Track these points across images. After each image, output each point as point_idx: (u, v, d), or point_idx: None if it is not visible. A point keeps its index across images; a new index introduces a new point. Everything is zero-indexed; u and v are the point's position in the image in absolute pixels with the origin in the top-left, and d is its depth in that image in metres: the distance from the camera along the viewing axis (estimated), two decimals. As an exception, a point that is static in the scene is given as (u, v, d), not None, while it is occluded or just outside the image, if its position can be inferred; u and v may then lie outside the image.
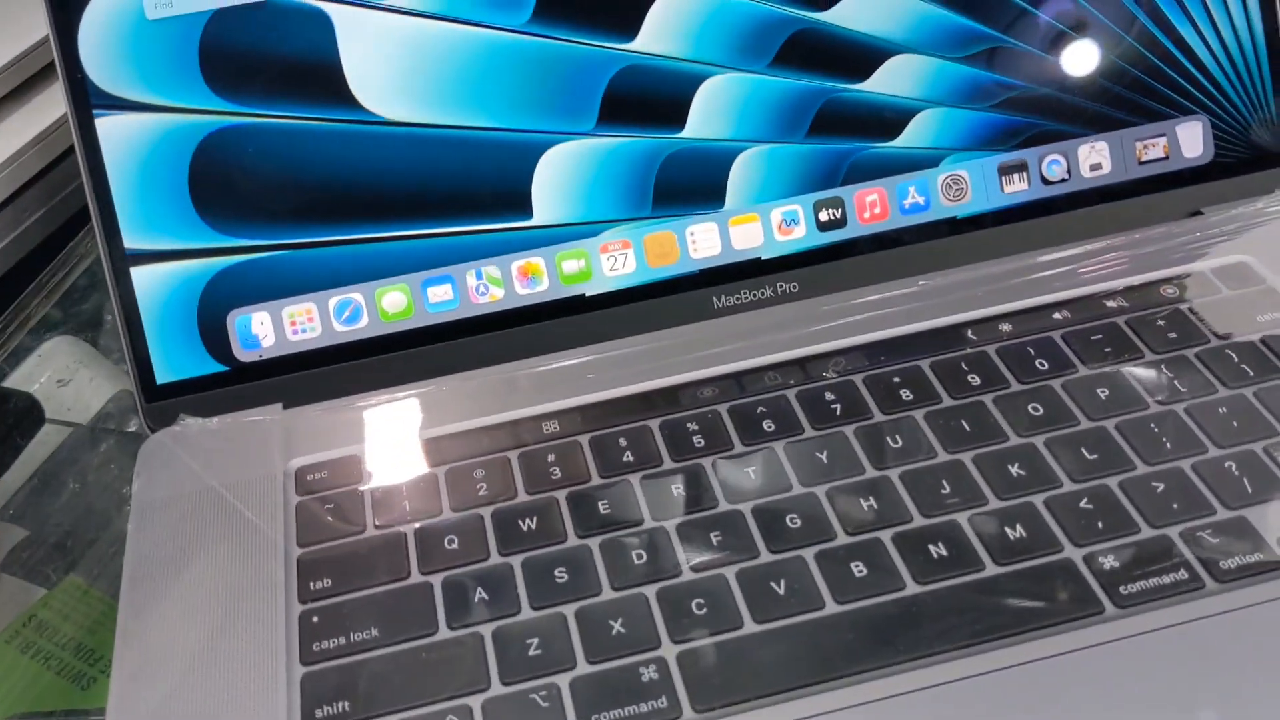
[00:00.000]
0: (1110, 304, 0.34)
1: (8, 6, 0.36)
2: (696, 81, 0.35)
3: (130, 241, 0.33)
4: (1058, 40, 0.37)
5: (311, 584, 0.29)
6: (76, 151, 0.33)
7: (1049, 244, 0.37)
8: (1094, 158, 0.37)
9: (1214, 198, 0.38)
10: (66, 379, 0.40)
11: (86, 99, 0.33)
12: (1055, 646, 0.25)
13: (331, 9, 0.34)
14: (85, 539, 0.35)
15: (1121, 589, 0.26)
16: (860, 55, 0.36)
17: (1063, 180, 0.37)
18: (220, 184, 0.34)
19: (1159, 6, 0.37)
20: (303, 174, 0.34)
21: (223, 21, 0.33)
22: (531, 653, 0.26)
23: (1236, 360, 0.31)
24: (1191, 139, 0.38)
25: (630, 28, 0.35)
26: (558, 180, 0.35)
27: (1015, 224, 0.37)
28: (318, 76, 0.34)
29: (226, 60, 0.33)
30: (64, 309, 0.41)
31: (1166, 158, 0.38)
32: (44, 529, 0.36)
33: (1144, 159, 0.38)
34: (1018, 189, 0.37)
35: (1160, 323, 0.33)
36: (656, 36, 0.35)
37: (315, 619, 0.28)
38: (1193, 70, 0.37)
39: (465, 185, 0.35)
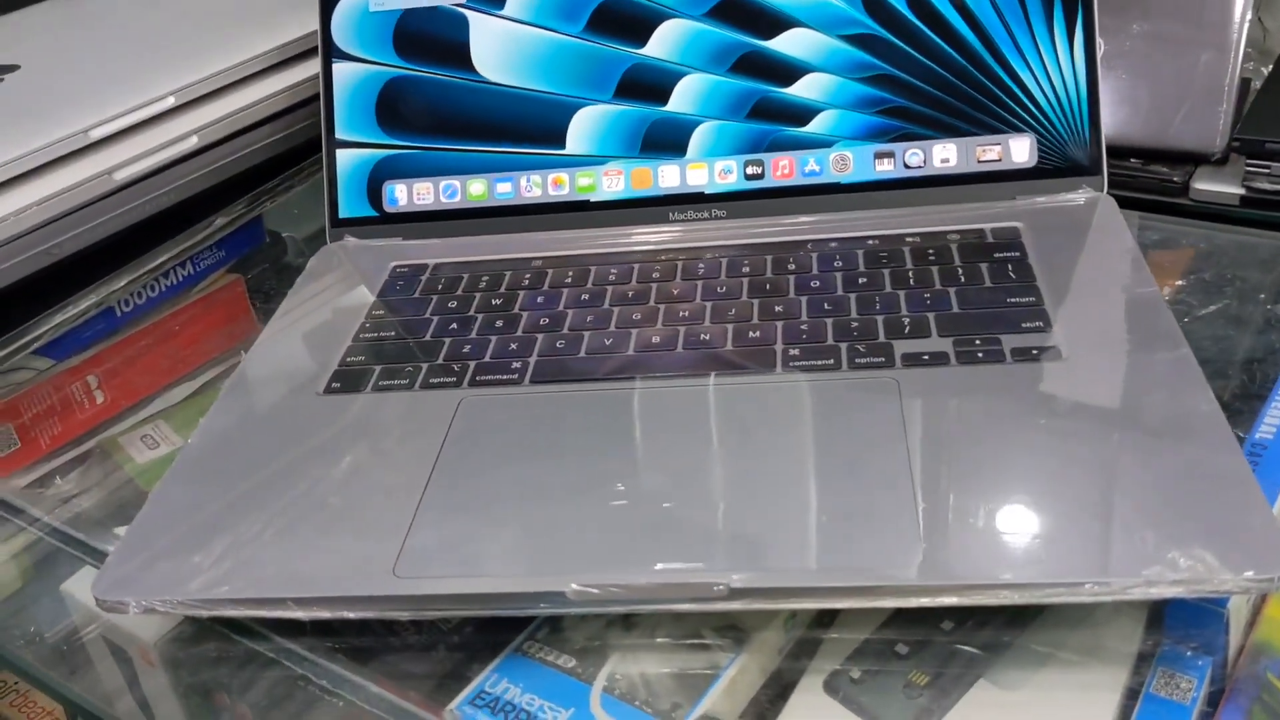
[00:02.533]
0: (911, 240, 0.51)
1: (282, 11, 0.63)
2: (679, 76, 0.56)
3: (339, 134, 0.58)
4: (930, 72, 0.54)
5: (374, 312, 0.51)
6: (320, 80, 0.59)
7: (900, 205, 0.54)
8: (944, 154, 0.54)
9: (1029, 191, 0.53)
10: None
11: (330, 51, 0.59)
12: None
13: (468, 14, 0.58)
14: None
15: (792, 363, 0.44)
16: (788, 70, 0.55)
17: (919, 167, 0.55)
18: (392, 108, 0.58)
19: (1006, 57, 0.54)
20: (438, 107, 0.58)
21: (409, 15, 0.58)
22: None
23: (958, 266, 0.48)
24: (1020, 149, 0.54)
25: (642, 38, 0.56)
26: (583, 128, 0.57)
27: (882, 191, 0.55)
28: (455, 51, 0.58)
29: (408, 38, 0.58)
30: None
31: (999, 160, 0.54)
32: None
33: (982, 159, 0.54)
34: (886, 169, 0.55)
35: (931, 252, 0.50)
36: (658, 46, 0.56)
37: (369, 324, 0.50)
38: (1028, 102, 0.54)
39: (528, 124, 0.57)
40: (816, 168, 0.55)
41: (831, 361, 0.43)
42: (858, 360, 0.43)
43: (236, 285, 0.65)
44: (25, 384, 0.57)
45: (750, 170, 0.56)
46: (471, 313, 0.51)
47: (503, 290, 0.52)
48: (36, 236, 0.52)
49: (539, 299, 0.51)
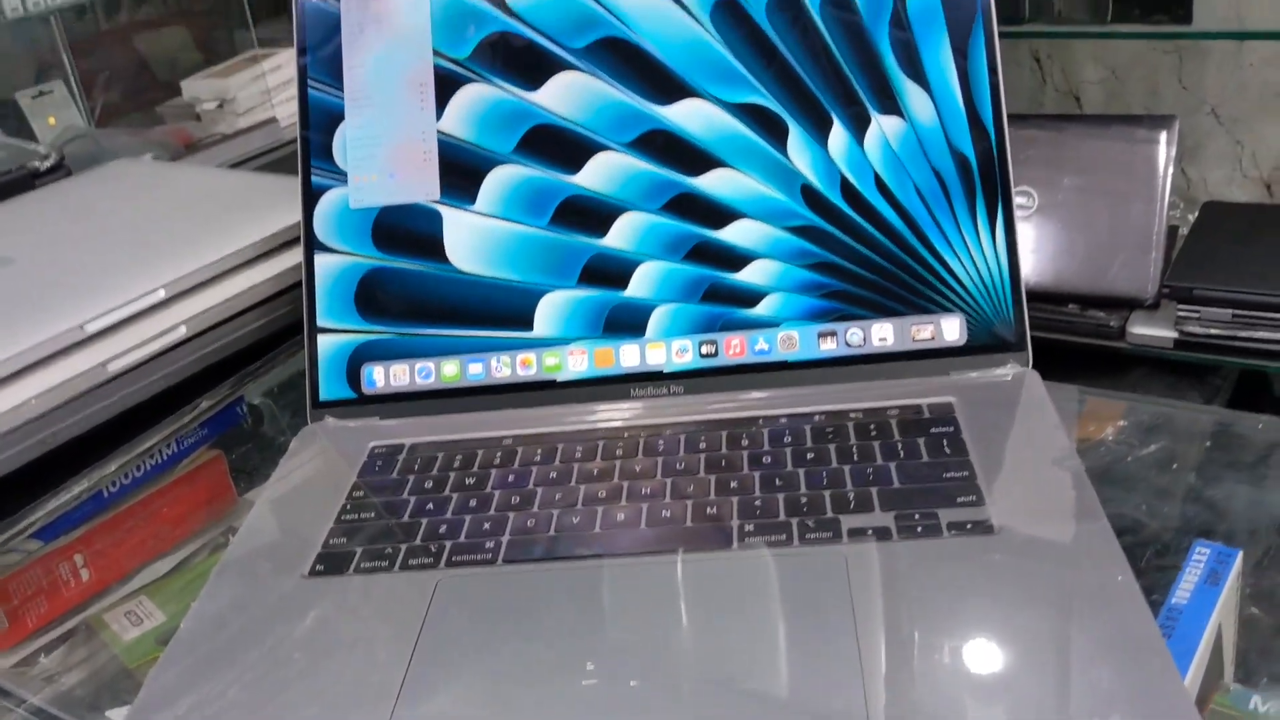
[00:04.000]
0: (855, 414, 0.55)
1: (265, 205, 0.67)
2: (637, 264, 0.61)
3: (321, 322, 0.62)
4: (866, 258, 0.59)
5: (354, 493, 0.55)
6: (303, 271, 0.63)
7: (844, 381, 0.58)
8: (882, 333, 0.59)
9: (961, 366, 0.58)
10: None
11: (311, 244, 0.63)
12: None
13: (442, 209, 0.62)
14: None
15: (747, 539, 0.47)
16: (737, 257, 0.60)
17: (860, 345, 0.59)
18: (371, 296, 0.62)
19: (934, 244, 0.59)
20: (413, 295, 0.62)
21: (387, 211, 0.63)
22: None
23: (897, 441, 0.52)
24: (951, 328, 0.59)
25: (603, 229, 0.61)
26: (549, 312, 0.61)
27: (826, 368, 0.59)
28: (429, 244, 0.62)
29: (385, 232, 0.63)
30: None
31: (933, 339, 0.59)
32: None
33: (917, 338, 0.59)
34: (830, 347, 0.59)
35: (873, 428, 0.54)
36: (618, 237, 0.61)
37: (349, 505, 0.53)
38: (955, 284, 0.59)
39: (498, 310, 0.61)
40: (766, 346, 0.60)
41: (784, 537, 0.47)
42: (808, 535, 0.47)
43: (218, 462, 0.68)
44: (15, 565, 0.59)
45: (705, 349, 0.60)
46: (446, 492, 0.54)
47: (475, 469, 0.55)
48: (33, 427, 0.55)
49: (510, 477, 0.54)
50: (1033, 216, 1.25)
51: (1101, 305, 1.24)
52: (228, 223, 0.67)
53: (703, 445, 0.55)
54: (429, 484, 0.55)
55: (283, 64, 1.93)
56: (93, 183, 0.80)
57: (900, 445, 0.52)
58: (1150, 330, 1.17)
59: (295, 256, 0.66)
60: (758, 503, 0.49)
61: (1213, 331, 1.15)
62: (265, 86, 1.87)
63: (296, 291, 0.65)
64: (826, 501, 0.49)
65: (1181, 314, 1.14)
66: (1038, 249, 1.22)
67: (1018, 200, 1.18)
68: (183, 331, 0.60)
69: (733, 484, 0.51)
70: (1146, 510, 0.52)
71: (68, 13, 1.69)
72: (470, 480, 0.54)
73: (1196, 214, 1.29)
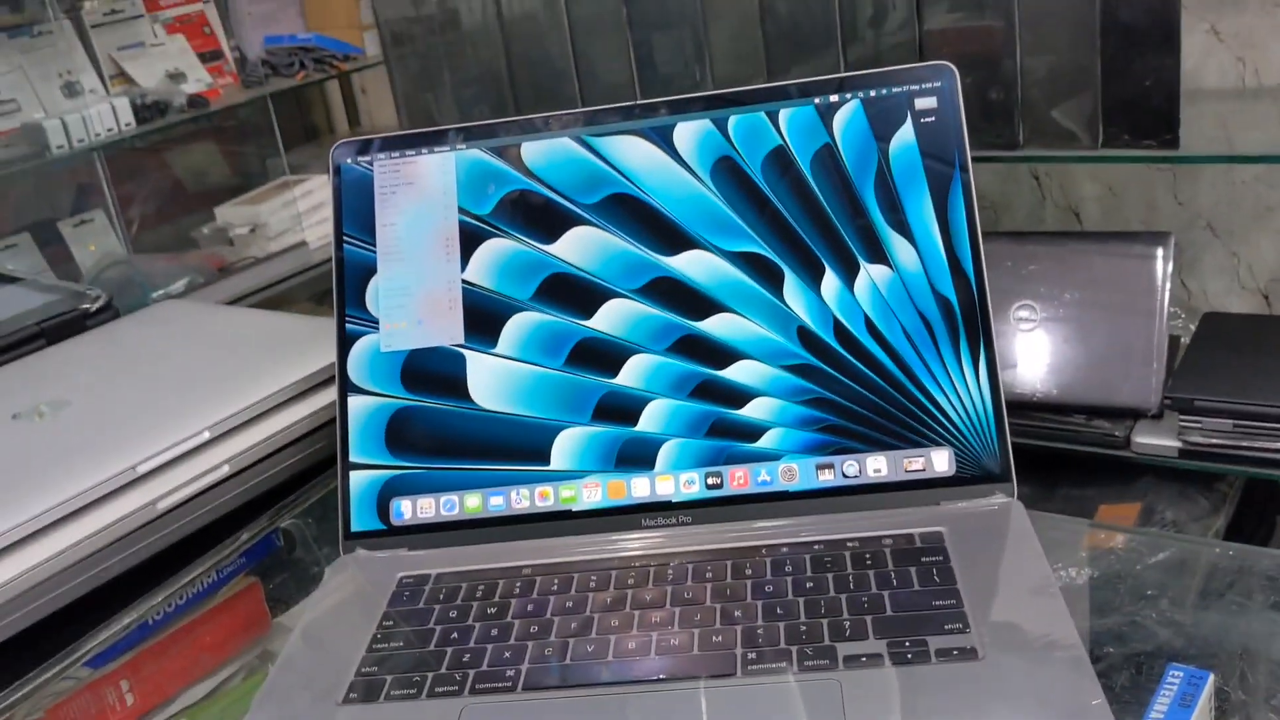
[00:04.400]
0: (852, 544, 0.59)
1: (299, 347, 0.73)
2: (646, 401, 0.66)
3: (353, 457, 0.67)
4: (859, 395, 0.64)
5: (385, 622, 0.59)
6: (336, 411, 0.68)
7: (842, 510, 0.62)
8: (876, 465, 0.63)
9: (951, 496, 0.62)
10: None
11: (345, 385, 0.68)
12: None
13: (465, 352, 0.67)
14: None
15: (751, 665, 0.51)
16: (739, 395, 0.65)
17: (856, 476, 0.63)
18: (400, 433, 0.67)
19: (922, 381, 0.63)
20: (439, 432, 0.67)
21: (415, 354, 0.68)
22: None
23: (890, 571, 0.56)
24: (940, 460, 0.63)
25: (614, 370, 0.66)
26: (565, 447, 0.66)
27: (824, 498, 0.63)
28: (454, 384, 0.67)
29: (413, 373, 0.68)
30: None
31: (924, 470, 0.63)
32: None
33: (909, 469, 0.63)
34: (828, 478, 0.64)
35: (868, 557, 0.58)
36: (628, 376, 0.66)
37: (380, 634, 0.57)
38: (943, 419, 0.63)
39: (517, 445, 0.66)
40: (768, 478, 0.64)
41: (784, 665, 0.51)
42: (806, 663, 0.51)
43: (254, 589, 0.72)
44: (66, 692, 0.63)
45: (710, 481, 0.64)
46: (470, 621, 0.58)
47: (497, 599, 0.59)
48: (88, 563, 0.60)
49: (529, 607, 0.58)
50: (1035, 330, 1.29)
51: (1107, 415, 1.27)
52: (266, 364, 0.72)
53: (709, 575, 0.58)
54: (453, 613, 0.59)
55: (313, 189, 2.02)
56: (140, 324, 0.86)
57: (893, 574, 0.56)
58: (1155, 440, 1.20)
59: (328, 396, 0.71)
60: (760, 631, 0.53)
61: (1215, 441, 1.18)
62: (296, 211, 1.96)
63: (330, 428, 0.70)
64: (824, 630, 0.53)
65: (1184, 424, 1.17)
66: (1042, 362, 1.26)
67: (1020, 314, 1.23)
68: (226, 470, 0.65)
69: (737, 613, 0.55)
70: (1129, 630, 0.55)
71: (109, 146, 1.78)
72: (492, 610, 0.58)
73: (1196, 325, 1.33)
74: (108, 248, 1.87)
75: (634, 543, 0.63)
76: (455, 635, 0.57)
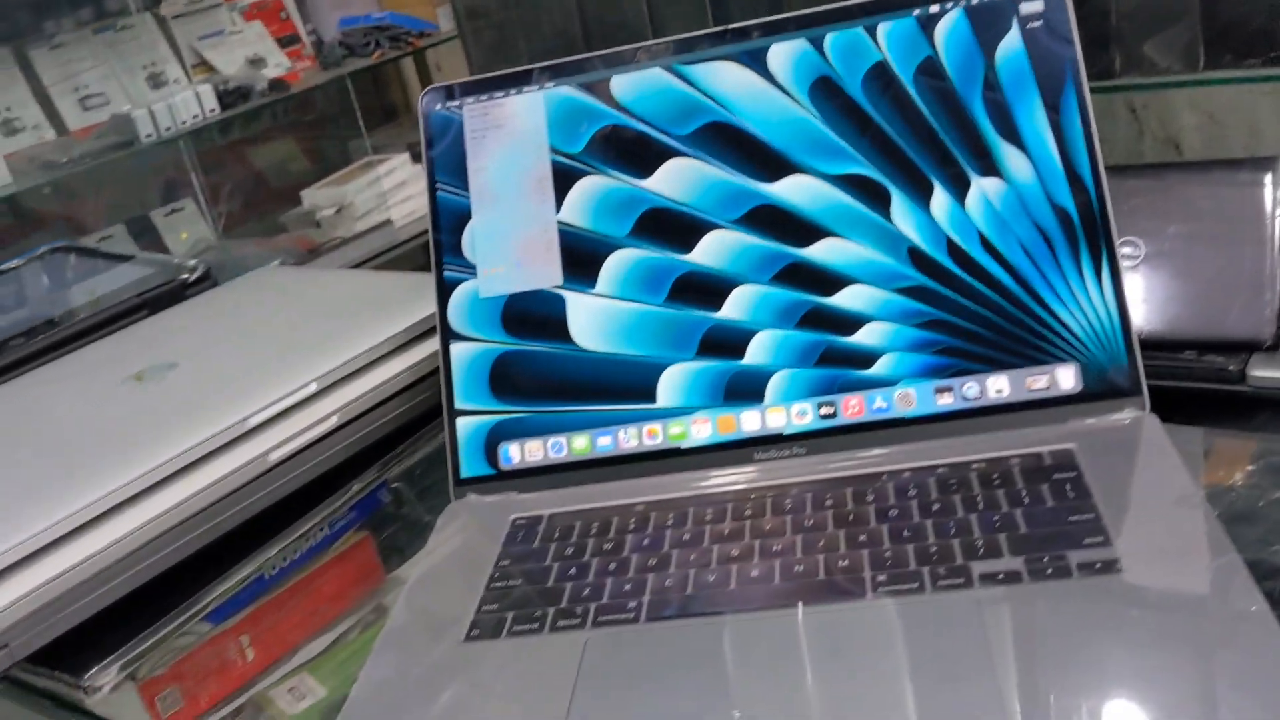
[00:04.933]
0: (977, 465, 0.57)
1: (397, 301, 0.72)
2: (752, 333, 0.64)
3: (458, 404, 0.67)
4: (976, 314, 0.62)
5: (501, 562, 0.58)
6: (440, 358, 0.67)
7: (963, 434, 0.60)
8: (998, 385, 0.61)
9: (1078, 414, 0.59)
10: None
11: (447, 333, 0.67)
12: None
13: (565, 293, 0.66)
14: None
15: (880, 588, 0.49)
16: (850, 321, 0.63)
17: (976, 398, 0.61)
18: (504, 378, 0.66)
19: (1041, 295, 0.61)
20: (543, 376, 0.66)
21: (514, 298, 0.67)
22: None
23: (1021, 489, 0.53)
24: (1066, 377, 0.60)
25: (717, 303, 0.64)
26: (671, 384, 0.64)
27: (944, 422, 0.61)
28: (555, 326, 0.66)
29: (514, 317, 0.67)
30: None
31: (1048, 388, 0.60)
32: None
33: (1032, 388, 0.60)
34: (947, 402, 0.61)
35: (996, 476, 0.55)
36: (732, 308, 0.64)
37: (497, 574, 0.57)
38: (1067, 334, 0.60)
39: (622, 384, 0.65)
40: (884, 405, 0.62)
41: (916, 585, 0.49)
42: (940, 583, 0.49)
43: (366, 542, 0.72)
44: (188, 647, 0.64)
45: (823, 411, 0.62)
46: (586, 558, 0.57)
47: (611, 535, 0.58)
48: (204, 516, 0.60)
49: (645, 541, 0.57)
50: (1140, 266, 1.25)
51: (1219, 350, 1.22)
52: (366, 319, 0.72)
53: (829, 502, 0.57)
54: (569, 550, 0.58)
55: (396, 168, 2.03)
56: (238, 290, 0.87)
57: (1024, 492, 0.54)
58: (1271, 372, 1.15)
59: (430, 346, 0.70)
60: (888, 554, 0.51)
61: (1338, 369, 1.13)
62: (380, 190, 1.97)
63: (433, 378, 0.69)
64: (956, 550, 0.50)
65: (1303, 354, 1.12)
66: (1148, 298, 1.21)
67: (1123, 251, 1.18)
68: (335, 421, 0.65)
69: (861, 537, 0.53)
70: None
71: (195, 135, 1.81)
72: (608, 545, 0.57)
73: (1310, 251, 1.27)
74: (199, 235, 1.90)
75: (747, 476, 0.61)
76: (573, 571, 0.56)
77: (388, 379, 0.68)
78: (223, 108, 1.81)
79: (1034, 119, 0.62)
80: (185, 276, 0.87)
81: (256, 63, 1.91)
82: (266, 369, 0.67)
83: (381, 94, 2.38)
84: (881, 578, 0.50)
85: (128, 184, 1.90)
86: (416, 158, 2.09)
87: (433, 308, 0.69)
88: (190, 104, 1.68)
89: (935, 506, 0.54)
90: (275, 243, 1.95)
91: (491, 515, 0.63)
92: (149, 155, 1.76)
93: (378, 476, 0.70)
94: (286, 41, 1.96)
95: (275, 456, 0.62)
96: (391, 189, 2.02)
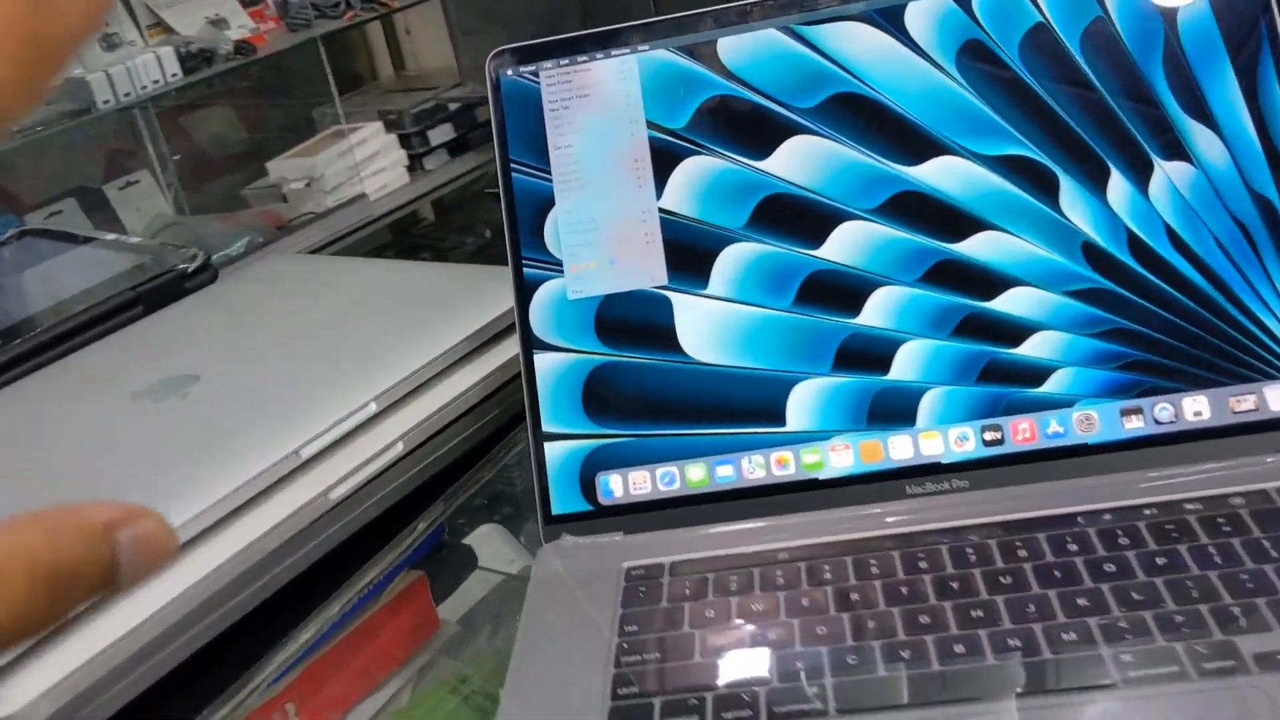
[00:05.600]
0: (1191, 505, 0.48)
1: (447, 299, 0.61)
2: (898, 343, 0.54)
3: (546, 427, 0.56)
4: (1166, 322, 0.52)
5: (625, 627, 0.48)
6: (522, 373, 0.57)
7: (1157, 465, 0.51)
8: (1196, 407, 0.52)
9: (1294, 439, 0.51)
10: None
11: (530, 343, 0.57)
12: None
13: (671, 295, 0.56)
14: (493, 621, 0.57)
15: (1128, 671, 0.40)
16: (1015, 330, 0.53)
17: (1171, 422, 0.52)
18: (600, 396, 0.56)
19: (1242, 300, 0.52)
20: (647, 392, 0.56)
21: (610, 301, 0.57)
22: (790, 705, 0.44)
23: (1259, 537, 0.44)
24: (1277, 398, 0.51)
25: (855, 308, 0.55)
26: (803, 403, 0.55)
27: (1132, 451, 0.52)
28: (660, 334, 0.56)
29: (609, 323, 0.56)
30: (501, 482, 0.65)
31: (1256, 410, 0.51)
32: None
33: (1237, 410, 0.52)
34: (1135, 426, 0.52)
35: (1222, 521, 0.47)
36: (873, 314, 0.54)
37: (625, 644, 0.47)
38: (1275, 345, 0.52)
39: (744, 403, 0.55)
40: (1060, 429, 0.53)
41: (1175, 669, 0.40)
42: (1204, 665, 0.40)
43: (420, 585, 0.62)
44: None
45: (988, 436, 0.53)
46: (734, 621, 0.47)
47: (758, 593, 0.49)
48: (254, 571, 0.49)
49: (804, 601, 0.47)
50: None
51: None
52: (416, 322, 0.61)
53: (1021, 551, 0.47)
54: (710, 613, 0.48)
55: (368, 138, 1.89)
56: (246, 284, 0.75)
57: (1266, 543, 0.45)
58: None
59: (500, 355, 0.60)
60: (1123, 624, 0.42)
61: None
62: (352, 162, 1.84)
63: (505, 393, 0.59)
64: (1208, 620, 0.42)
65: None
66: None
67: None
68: (400, 448, 0.54)
69: (1081, 601, 0.44)
70: None
71: (153, 102, 1.67)
72: (758, 607, 0.48)
73: None
74: (157, 209, 1.76)
75: (902, 515, 0.52)
76: (723, 642, 0.46)
77: (455, 396, 0.57)
78: (185, 72, 1.67)
79: (1225, 91, 0.53)
80: (184, 267, 0.75)
81: (218, 24, 1.76)
82: (310, 385, 0.56)
83: (346, 61, 2.23)
84: (1126, 657, 0.41)
85: (77, 155, 1.75)
86: (389, 126, 1.95)
87: (497, 309, 0.58)
88: (150, 68, 1.53)
89: (1159, 560, 0.45)
90: (241, 218, 1.81)
91: (596, 562, 0.53)
92: (103, 123, 1.60)
93: (444, 510, 0.59)
94: (250, 1, 1.81)
95: (336, 494, 0.51)
96: (364, 160, 1.89)
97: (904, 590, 0.47)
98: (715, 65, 0.57)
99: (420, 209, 1.97)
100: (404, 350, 0.58)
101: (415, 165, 1.96)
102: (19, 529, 0.21)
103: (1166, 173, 0.53)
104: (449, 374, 0.59)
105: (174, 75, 1.60)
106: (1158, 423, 0.52)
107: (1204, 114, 0.53)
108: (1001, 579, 0.46)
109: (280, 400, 0.55)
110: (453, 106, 2.07)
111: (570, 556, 0.54)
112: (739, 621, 0.47)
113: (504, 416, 0.60)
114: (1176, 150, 0.53)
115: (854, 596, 0.47)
